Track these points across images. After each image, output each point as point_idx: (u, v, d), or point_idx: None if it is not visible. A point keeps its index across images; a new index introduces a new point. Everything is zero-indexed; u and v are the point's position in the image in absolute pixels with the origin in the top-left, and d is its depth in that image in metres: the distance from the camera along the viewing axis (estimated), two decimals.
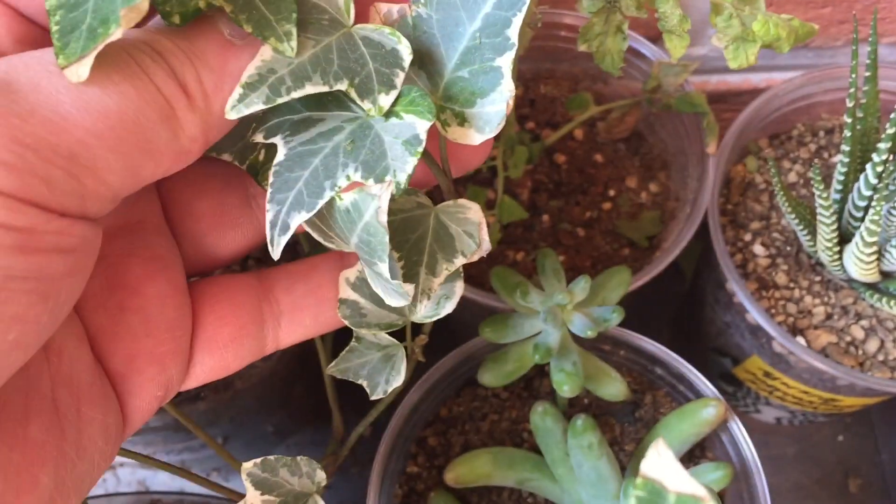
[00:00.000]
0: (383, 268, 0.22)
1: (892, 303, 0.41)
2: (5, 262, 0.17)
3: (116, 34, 0.18)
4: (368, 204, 0.21)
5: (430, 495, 0.40)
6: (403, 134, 0.22)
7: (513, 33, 0.22)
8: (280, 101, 0.20)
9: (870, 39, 0.39)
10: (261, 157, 0.25)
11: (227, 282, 0.26)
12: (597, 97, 0.50)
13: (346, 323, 0.27)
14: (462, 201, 0.25)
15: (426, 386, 0.40)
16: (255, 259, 0.44)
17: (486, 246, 0.25)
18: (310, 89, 0.21)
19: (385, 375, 0.29)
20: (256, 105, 0.20)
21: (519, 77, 0.52)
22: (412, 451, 0.42)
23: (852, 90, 0.39)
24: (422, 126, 0.21)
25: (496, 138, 0.45)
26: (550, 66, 0.51)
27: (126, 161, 0.19)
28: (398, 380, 0.28)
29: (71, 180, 0.18)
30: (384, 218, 0.21)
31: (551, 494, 0.39)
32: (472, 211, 0.25)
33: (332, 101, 0.23)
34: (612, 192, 0.49)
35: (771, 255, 0.45)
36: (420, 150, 0.21)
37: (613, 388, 0.39)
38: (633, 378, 0.43)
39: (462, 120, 0.23)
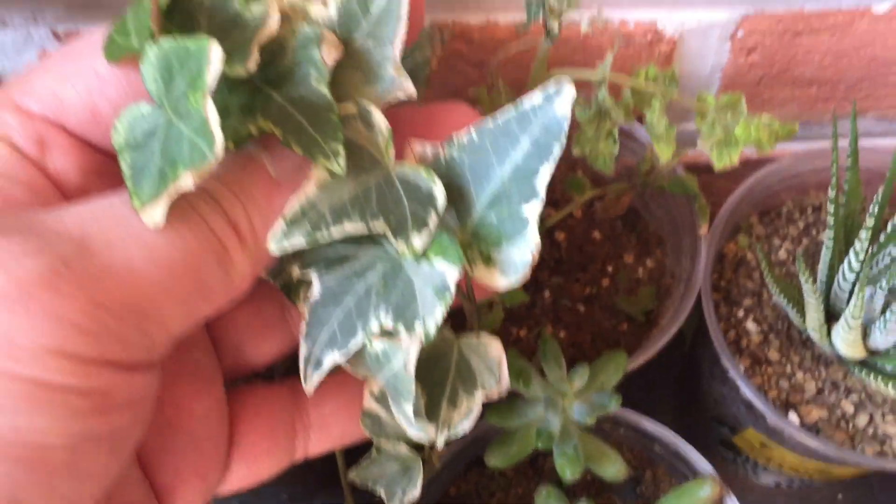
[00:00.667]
0: (408, 409, 0.23)
1: (879, 378, 0.43)
2: (83, 427, 0.18)
3: (187, 184, 0.19)
4: (397, 354, 0.22)
5: None
6: (433, 280, 0.23)
7: (540, 185, 0.23)
8: (320, 237, 0.21)
9: (850, 139, 0.41)
10: (294, 277, 0.26)
11: (263, 393, 0.28)
12: (594, 177, 0.52)
13: (367, 434, 0.29)
14: (484, 337, 0.26)
15: (435, 469, 0.42)
16: (285, 366, 0.46)
17: (506, 383, 0.26)
18: (349, 228, 0.22)
19: (402, 486, 0.30)
20: (298, 240, 0.21)
21: None
22: None
23: (834, 180, 0.41)
24: (451, 274, 0.23)
25: None
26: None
27: (187, 307, 0.20)
28: (415, 493, 0.30)
29: (141, 335, 0.19)
30: (412, 368, 0.22)
31: None
32: (493, 347, 0.26)
33: (365, 237, 0.24)
34: (610, 269, 0.51)
35: (763, 331, 0.47)
36: (449, 298, 0.22)
37: (613, 468, 0.40)
38: (633, 455, 0.44)
39: (488, 260, 0.24)
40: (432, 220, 0.23)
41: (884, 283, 0.39)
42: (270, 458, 0.27)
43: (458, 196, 0.24)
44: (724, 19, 0.47)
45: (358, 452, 0.32)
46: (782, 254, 0.49)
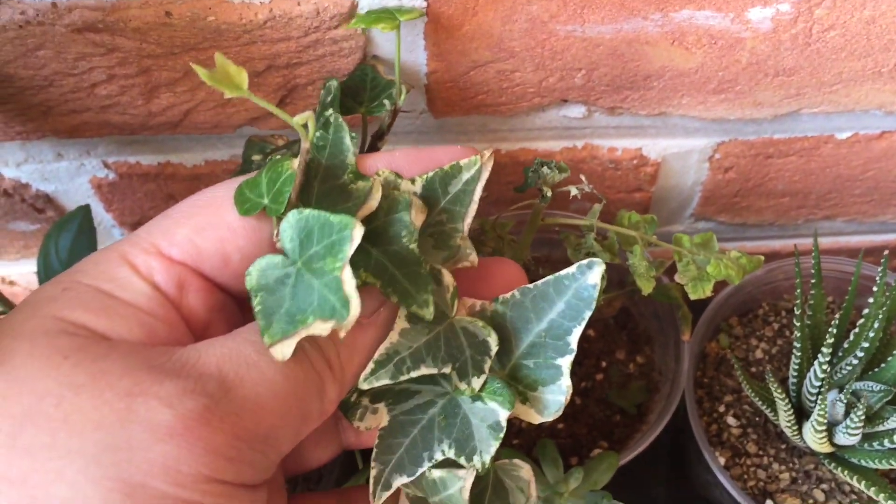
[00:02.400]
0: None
1: (846, 472, 0.48)
2: None
3: (322, 332, 0.23)
4: (455, 483, 0.27)
5: None
6: (488, 419, 0.27)
7: (573, 340, 0.29)
8: (402, 378, 0.26)
9: (813, 262, 0.47)
10: (353, 398, 0.30)
11: (315, 500, 0.31)
12: None
13: None
14: (516, 461, 0.31)
15: None
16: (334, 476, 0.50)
17: (535, 501, 0.31)
18: (424, 370, 0.27)
19: None
20: (384, 379, 0.26)
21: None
22: None
23: (798, 301, 0.46)
24: (503, 414, 0.27)
25: None
26: (547, 252, 0.59)
27: (294, 431, 0.24)
28: None
29: (264, 457, 0.23)
30: (467, 495, 0.27)
31: None
32: (525, 470, 0.31)
33: (426, 377, 0.28)
34: (603, 364, 0.56)
35: (742, 425, 0.52)
36: (501, 435, 0.27)
37: None
38: None
39: (525, 399, 0.29)
40: (487, 365, 0.28)
41: (843, 378, 0.45)
42: None
43: (501, 344, 0.29)
44: (702, 145, 0.53)
45: None
46: (758, 353, 0.54)
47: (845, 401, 0.46)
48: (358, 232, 0.23)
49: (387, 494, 0.28)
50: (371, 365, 0.26)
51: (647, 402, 0.55)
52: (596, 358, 0.57)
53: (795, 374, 0.49)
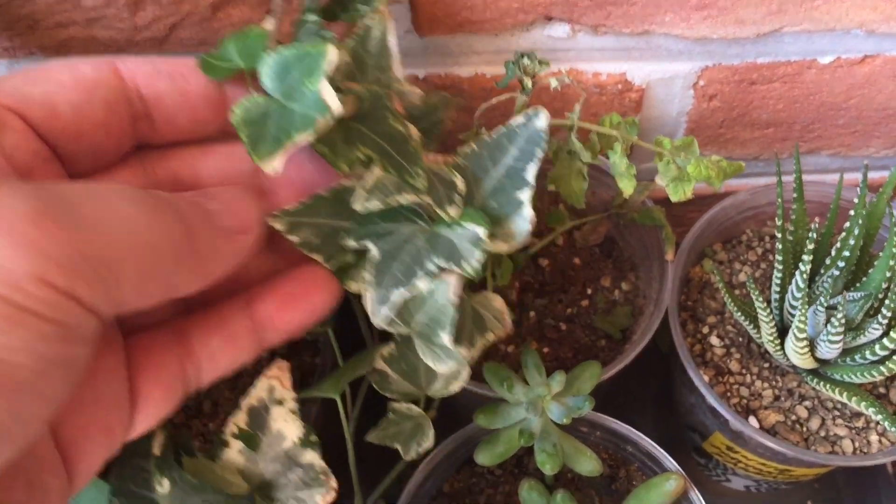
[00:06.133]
0: (446, 338, 0.30)
1: (828, 386, 0.49)
2: (47, 351, 0.21)
3: (304, 139, 0.26)
4: (441, 287, 0.29)
5: None
6: (468, 236, 0.30)
7: (529, 176, 0.32)
8: (391, 201, 0.29)
9: (794, 176, 0.47)
10: (350, 260, 0.32)
11: (149, 344, 0.30)
12: (574, 211, 0.58)
13: (375, 387, 0.36)
14: (489, 294, 0.35)
15: (431, 465, 0.47)
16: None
17: (509, 326, 0.35)
18: (408, 198, 0.29)
19: (416, 440, 0.37)
20: (375, 201, 0.28)
21: None
22: None
23: (780, 210, 0.47)
24: (482, 231, 0.30)
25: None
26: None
27: (145, 274, 0.23)
28: (428, 443, 0.37)
29: (103, 285, 0.22)
30: (454, 296, 0.29)
31: None
32: (497, 301, 0.35)
33: (404, 219, 0.31)
34: (589, 291, 0.57)
35: (726, 345, 0.52)
36: (483, 247, 0.30)
37: (589, 465, 0.46)
38: (608, 455, 0.49)
39: (494, 235, 0.32)
40: (458, 199, 0.31)
41: (824, 290, 0.45)
42: (168, 401, 0.30)
43: (465, 189, 0.32)
44: (686, 70, 0.54)
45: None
46: (742, 276, 0.55)
47: (825, 310, 0.47)
48: (332, 52, 0.25)
49: (385, 309, 0.30)
50: (362, 192, 0.29)
51: (631, 326, 0.55)
52: (581, 285, 0.57)
53: (778, 288, 0.49)
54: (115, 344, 0.29)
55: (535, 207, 0.60)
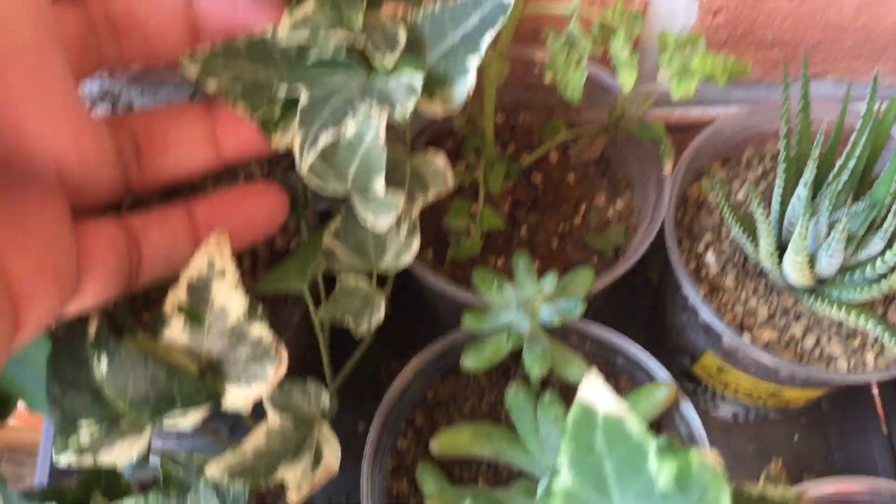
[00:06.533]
0: (379, 183, 0.29)
1: (826, 304, 0.47)
2: None
3: None
4: (369, 128, 0.28)
5: (417, 466, 0.45)
6: (404, 83, 0.29)
7: (483, 44, 0.30)
8: (320, 36, 0.27)
9: (801, 82, 0.46)
10: (276, 114, 0.31)
11: (99, 225, 0.30)
12: (569, 125, 0.56)
13: (327, 265, 0.35)
14: (430, 153, 0.34)
15: (414, 370, 0.46)
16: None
17: (450, 184, 0.34)
18: (341, 36, 0.28)
19: (367, 315, 0.35)
20: (302, 34, 0.27)
21: (500, 106, 0.58)
22: (402, 428, 0.47)
23: (785, 116, 0.45)
24: (417, 79, 0.29)
25: (478, 157, 0.51)
26: (529, 97, 0.58)
27: None
28: (379, 317, 0.35)
29: None
30: (382, 139, 0.28)
31: (524, 464, 0.44)
32: (439, 159, 0.34)
33: (339, 68, 0.30)
34: (582, 209, 0.55)
35: (721, 262, 0.51)
36: (418, 92, 0.29)
37: (578, 372, 0.44)
38: (598, 365, 0.48)
39: (432, 95, 0.31)
40: (398, 49, 0.30)
41: (827, 204, 0.44)
42: (110, 274, 0.30)
43: (417, 49, 0.31)
44: None
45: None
46: (741, 196, 0.53)
47: (827, 222, 0.45)
48: None
49: (314, 151, 0.29)
50: (289, 22, 0.27)
51: (624, 245, 0.54)
52: (575, 203, 0.55)
53: (779, 200, 0.48)
54: (60, 202, 0.28)
55: (527, 121, 0.58)
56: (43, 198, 0.27)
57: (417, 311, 0.69)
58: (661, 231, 0.50)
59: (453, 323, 0.46)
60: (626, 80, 0.40)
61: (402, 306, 0.68)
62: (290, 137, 0.31)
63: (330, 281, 0.41)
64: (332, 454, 0.37)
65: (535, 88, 0.57)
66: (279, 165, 0.52)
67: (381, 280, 0.39)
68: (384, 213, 0.30)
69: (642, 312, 0.68)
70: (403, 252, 0.35)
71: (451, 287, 0.47)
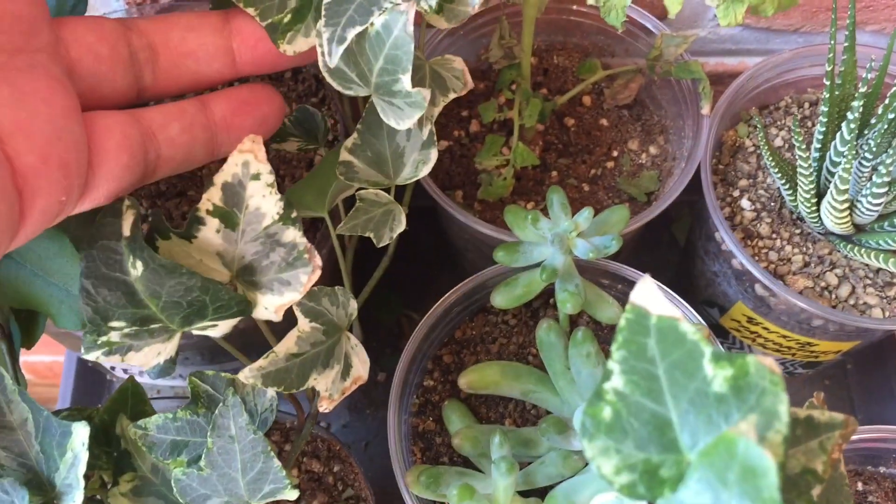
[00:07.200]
0: (406, 79, 0.28)
1: (863, 251, 0.46)
2: None
3: None
4: (398, 19, 0.27)
5: (443, 404, 0.44)
6: None
7: None
8: None
9: (848, 22, 0.44)
10: (285, 20, 0.31)
11: (113, 117, 0.29)
12: (604, 68, 0.55)
13: (343, 179, 0.35)
14: (448, 56, 0.34)
15: (442, 309, 0.45)
16: None
17: (470, 84, 0.34)
18: None
19: (388, 226, 0.35)
20: None
21: (534, 48, 0.57)
22: (429, 367, 0.46)
23: (831, 55, 0.44)
24: None
25: (512, 92, 0.50)
26: (563, 39, 0.56)
27: None
28: (400, 227, 0.35)
29: None
30: (411, 28, 0.28)
31: (552, 405, 0.44)
32: (457, 62, 0.34)
33: None
34: (615, 154, 0.54)
35: (756, 209, 0.50)
36: None
37: (610, 311, 0.43)
38: None
39: (439, 11, 0.32)
40: None
41: (871, 146, 0.42)
42: (129, 176, 0.29)
43: None
44: None
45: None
46: (778, 142, 0.52)
47: (869, 166, 0.44)
48: None
49: (341, 48, 0.28)
50: None
51: (657, 191, 0.53)
52: (607, 147, 0.54)
53: (819, 145, 0.46)
54: (70, 95, 0.27)
55: (561, 64, 0.57)
56: (52, 88, 0.27)
57: (439, 264, 0.68)
58: (693, 179, 0.49)
59: (484, 266, 0.45)
60: (672, 5, 0.39)
61: (424, 260, 0.67)
62: (300, 44, 0.31)
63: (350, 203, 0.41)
64: (361, 364, 0.36)
65: (570, 30, 0.56)
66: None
67: (399, 196, 0.39)
68: (408, 113, 0.30)
69: (668, 270, 0.67)
70: (421, 164, 0.35)
71: (481, 224, 0.46)
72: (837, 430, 0.27)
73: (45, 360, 1.00)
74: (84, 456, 0.32)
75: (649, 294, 0.24)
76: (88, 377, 0.65)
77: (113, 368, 0.59)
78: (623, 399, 0.22)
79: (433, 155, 0.34)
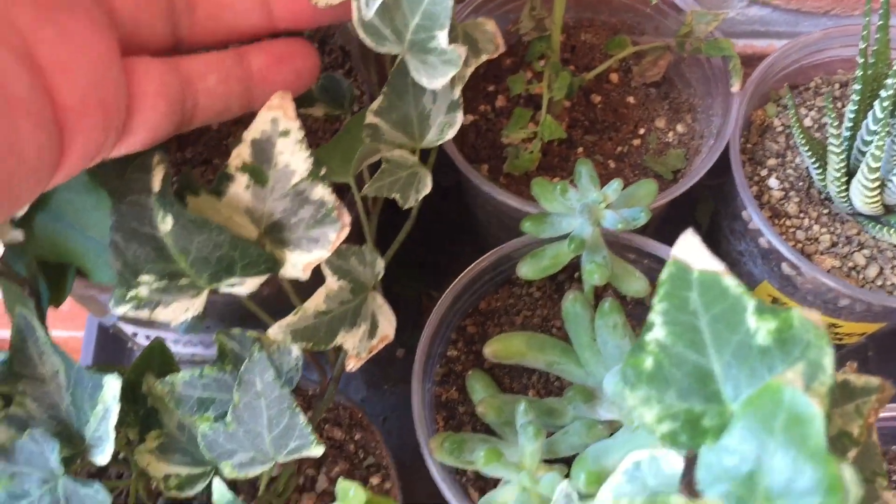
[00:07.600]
0: (443, 36, 0.28)
1: (892, 232, 0.46)
2: None
3: None
4: None
5: (467, 374, 0.44)
6: None
7: None
8: None
9: (882, 1, 0.44)
10: None
11: (153, 64, 0.29)
12: (634, 44, 0.54)
13: (369, 141, 0.35)
14: (480, 19, 0.34)
15: (468, 279, 0.45)
16: None
17: (502, 47, 0.34)
18: None
19: (414, 187, 0.35)
20: None
21: (562, 24, 0.57)
22: (453, 337, 0.46)
23: (865, 32, 0.43)
24: None
25: (541, 65, 0.50)
26: (591, 16, 0.56)
27: None
28: (426, 189, 0.35)
29: None
30: None
31: (576, 377, 0.43)
32: (489, 24, 0.34)
33: None
34: (641, 131, 0.54)
35: (784, 188, 0.49)
36: None
37: (637, 284, 0.43)
38: (654, 285, 0.47)
39: None
40: None
41: None
42: (166, 123, 0.29)
43: None
44: None
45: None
46: (808, 122, 0.52)
47: None
48: None
49: (377, 2, 0.29)
50: None
51: (684, 169, 0.52)
52: (634, 125, 0.54)
53: (850, 124, 0.46)
54: (111, 38, 0.28)
55: (589, 40, 0.56)
56: (94, 30, 0.27)
57: (460, 244, 0.68)
58: (718, 161, 0.48)
59: (509, 237, 0.45)
60: None
61: (445, 241, 0.67)
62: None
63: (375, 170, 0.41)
64: (388, 323, 0.36)
65: (598, 7, 0.56)
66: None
67: (423, 160, 0.38)
68: (442, 71, 0.30)
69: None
70: (447, 126, 0.35)
71: (508, 196, 0.46)
72: (874, 394, 0.27)
73: (62, 335, 1.01)
74: (115, 409, 0.32)
75: (691, 248, 0.24)
76: (109, 347, 0.65)
77: (135, 335, 0.59)
78: (665, 350, 0.22)
79: (459, 118, 0.34)
